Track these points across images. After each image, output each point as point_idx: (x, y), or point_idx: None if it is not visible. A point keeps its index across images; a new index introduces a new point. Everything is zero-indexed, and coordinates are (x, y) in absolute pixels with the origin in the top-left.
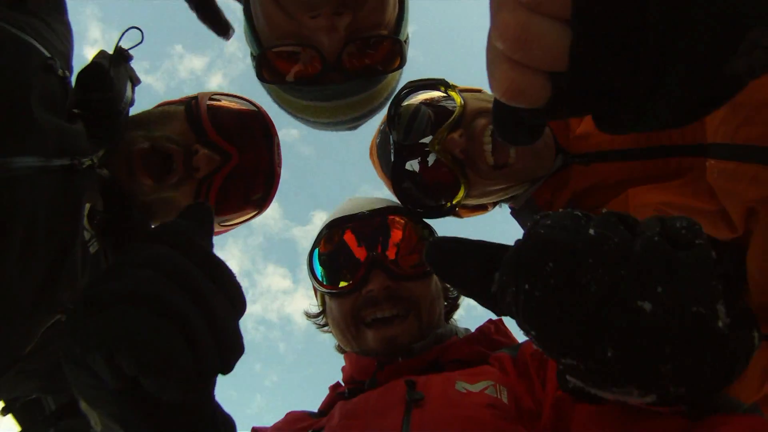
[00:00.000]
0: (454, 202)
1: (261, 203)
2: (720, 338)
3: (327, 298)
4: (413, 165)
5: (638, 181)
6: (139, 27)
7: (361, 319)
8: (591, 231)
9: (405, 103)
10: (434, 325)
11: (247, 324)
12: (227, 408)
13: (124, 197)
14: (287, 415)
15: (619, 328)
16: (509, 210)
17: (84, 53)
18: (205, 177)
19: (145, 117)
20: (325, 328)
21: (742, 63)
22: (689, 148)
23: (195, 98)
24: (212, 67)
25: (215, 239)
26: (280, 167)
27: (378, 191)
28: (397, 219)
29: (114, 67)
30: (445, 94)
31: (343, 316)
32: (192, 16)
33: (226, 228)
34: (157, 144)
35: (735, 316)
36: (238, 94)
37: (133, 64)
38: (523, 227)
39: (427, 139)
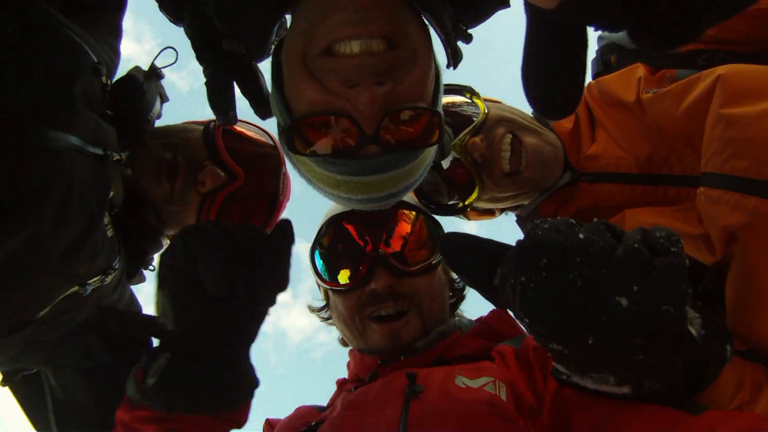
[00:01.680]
0: (466, 203)
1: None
2: (693, 344)
3: (330, 293)
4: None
5: (637, 204)
6: (175, 48)
7: (366, 315)
8: (581, 235)
9: None
10: (438, 320)
11: None
12: None
13: (142, 198)
14: (297, 409)
15: (599, 318)
16: (515, 218)
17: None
18: (209, 192)
19: (168, 129)
20: (330, 321)
21: None
22: (688, 178)
23: (215, 121)
24: None
25: None
26: (284, 197)
27: None
28: (405, 212)
29: (146, 82)
30: (469, 101)
31: (348, 312)
32: None
33: None
34: (172, 153)
35: (710, 330)
36: (255, 123)
37: (160, 60)
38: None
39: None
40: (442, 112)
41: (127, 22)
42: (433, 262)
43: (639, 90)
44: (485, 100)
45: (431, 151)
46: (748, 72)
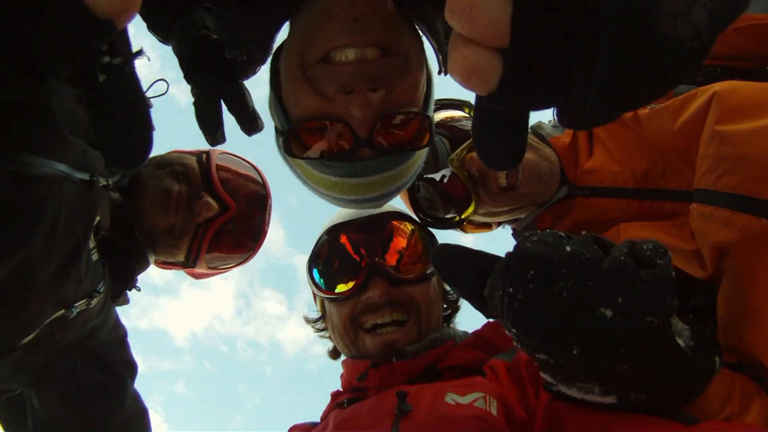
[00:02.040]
0: (463, 217)
1: (246, 255)
2: (681, 355)
3: (327, 302)
4: (431, 178)
5: (633, 218)
6: (166, 80)
7: (360, 325)
8: (567, 248)
9: None
10: (433, 329)
11: (236, 344)
12: (205, 424)
13: (130, 222)
14: (291, 429)
15: (583, 329)
16: (511, 231)
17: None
18: (203, 222)
19: (166, 159)
20: (323, 333)
21: (681, 25)
22: (683, 193)
23: (207, 153)
24: None
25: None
26: (268, 226)
27: None
28: (398, 224)
29: None
30: (468, 115)
31: (342, 322)
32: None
33: (212, 272)
34: (178, 184)
35: (699, 341)
36: (243, 157)
37: (160, 73)
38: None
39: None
40: (433, 117)
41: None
42: (428, 272)
43: None
44: None
45: (422, 154)
46: (743, 89)
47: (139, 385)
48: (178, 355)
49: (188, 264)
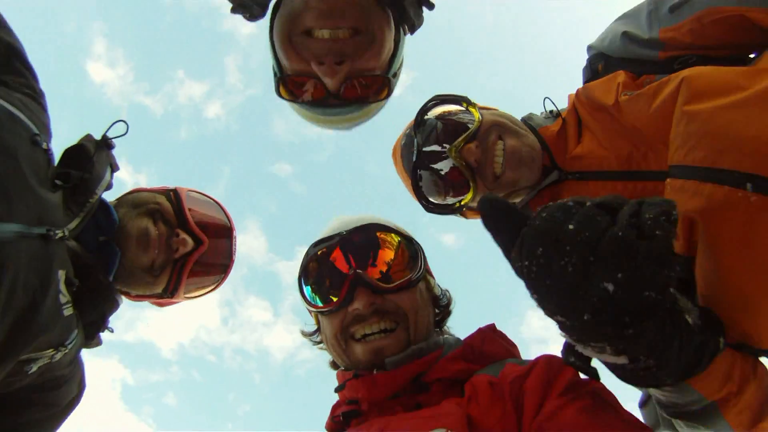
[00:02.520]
0: (462, 203)
1: (217, 283)
2: (688, 328)
3: (319, 316)
4: (432, 167)
5: None
6: (125, 120)
7: (351, 335)
8: (571, 225)
9: (430, 113)
10: (422, 335)
11: (224, 353)
12: None
13: (93, 268)
14: None
15: (591, 300)
16: None
17: (88, 68)
18: (180, 258)
19: (138, 199)
20: (320, 345)
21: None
22: (663, 173)
23: (174, 190)
24: (211, 96)
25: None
26: (235, 255)
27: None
28: (381, 235)
29: (98, 152)
30: (465, 109)
31: (333, 333)
32: (196, 41)
33: (178, 300)
34: (156, 223)
35: (705, 321)
36: (205, 193)
37: (134, 85)
38: None
39: (445, 147)
40: (395, 76)
41: (100, 47)
42: (413, 279)
43: (618, 94)
44: (481, 107)
45: (382, 103)
46: (709, 74)
47: (129, 398)
48: (165, 366)
49: (165, 295)
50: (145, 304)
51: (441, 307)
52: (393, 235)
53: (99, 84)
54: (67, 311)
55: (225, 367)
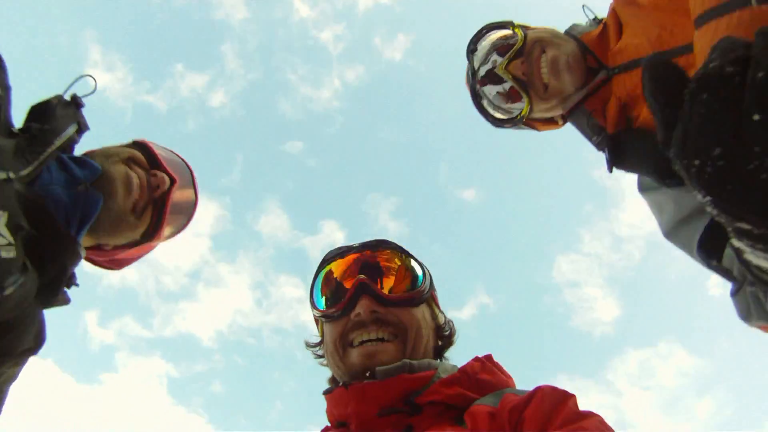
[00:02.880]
0: (522, 114)
1: (189, 218)
2: None
3: (323, 324)
4: (488, 86)
5: None
6: (93, 75)
7: (349, 342)
8: (755, 117)
9: (481, 41)
10: (419, 356)
11: (262, 334)
12: (248, 417)
13: (51, 216)
14: None
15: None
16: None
17: (84, 71)
18: (159, 196)
19: (108, 151)
20: (321, 360)
21: None
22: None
23: (138, 141)
24: (213, 85)
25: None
26: (198, 195)
27: (383, 198)
28: (390, 253)
29: (61, 108)
30: (511, 32)
31: (333, 340)
32: (190, 34)
33: (138, 252)
34: (129, 168)
35: None
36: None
37: (135, 85)
38: (578, 129)
39: (495, 65)
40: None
41: (95, 54)
42: (417, 297)
43: None
44: (525, 27)
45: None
46: None
47: (177, 392)
48: (207, 355)
49: (145, 239)
50: (178, 296)
51: (443, 337)
52: (403, 255)
53: (100, 89)
54: (7, 253)
55: (265, 347)
